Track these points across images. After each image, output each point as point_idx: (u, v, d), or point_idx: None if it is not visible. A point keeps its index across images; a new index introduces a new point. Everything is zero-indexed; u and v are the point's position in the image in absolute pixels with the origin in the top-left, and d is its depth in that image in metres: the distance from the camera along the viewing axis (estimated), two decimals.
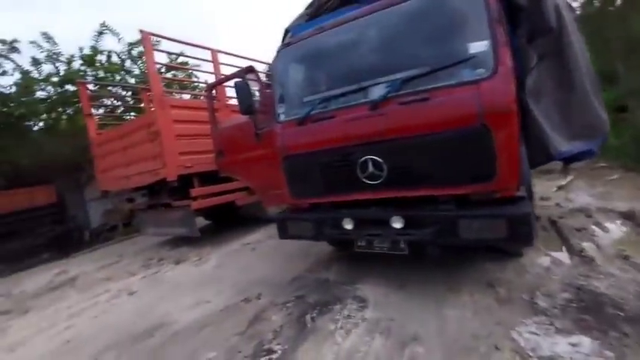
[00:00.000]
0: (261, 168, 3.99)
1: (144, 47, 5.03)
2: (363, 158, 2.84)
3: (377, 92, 2.77)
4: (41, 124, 8.50)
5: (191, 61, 5.99)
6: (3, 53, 8.14)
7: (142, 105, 7.56)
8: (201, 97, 6.17)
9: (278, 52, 3.52)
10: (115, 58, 9.11)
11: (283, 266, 4.33)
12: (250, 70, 3.82)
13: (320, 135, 3.07)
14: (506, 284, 2.93)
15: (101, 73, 8.80)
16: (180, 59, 6.39)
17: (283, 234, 3.57)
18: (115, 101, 8.94)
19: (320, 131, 3.06)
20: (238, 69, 3.94)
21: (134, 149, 5.75)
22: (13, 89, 8.02)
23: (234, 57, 6.38)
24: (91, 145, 6.69)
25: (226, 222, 7.44)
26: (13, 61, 8.34)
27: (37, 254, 9.14)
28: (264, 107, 3.74)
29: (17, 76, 8.30)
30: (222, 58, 6.13)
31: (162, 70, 7.21)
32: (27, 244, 10.11)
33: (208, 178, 5.78)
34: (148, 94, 6.01)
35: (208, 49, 5.95)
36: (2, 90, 7.94)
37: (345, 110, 2.92)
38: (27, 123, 8.20)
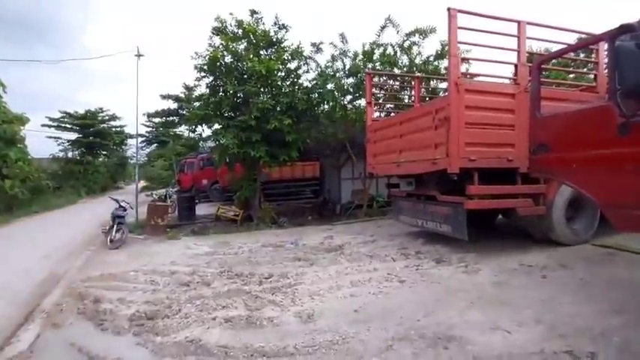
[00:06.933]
0: (621, 174, 2.76)
1: (448, 25, 4.68)
2: None
3: None
4: (325, 108, 10.28)
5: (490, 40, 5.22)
6: (310, 55, 10.29)
7: (414, 94, 7.59)
8: (510, 80, 5.29)
9: None
10: (389, 50, 9.75)
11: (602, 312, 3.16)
12: (629, 29, 2.61)
13: None
14: None
15: (378, 66, 9.62)
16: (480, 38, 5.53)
17: None
18: (394, 90, 9.57)
19: None
20: (570, 43, 2.83)
21: (412, 136, 5.69)
22: (313, 83, 10.05)
23: (548, 29, 5.11)
24: (367, 130, 7.29)
25: (485, 230, 6.42)
26: (315, 60, 10.43)
27: (303, 215, 11.44)
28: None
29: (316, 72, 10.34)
30: (529, 31, 5.04)
31: (467, 50, 6.79)
32: (298, 205, 13.02)
33: (487, 176, 4.97)
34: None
35: (515, 21, 4.98)
36: (307, 84, 10.13)
37: None
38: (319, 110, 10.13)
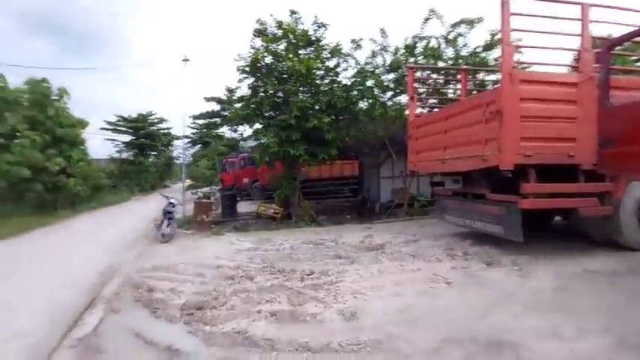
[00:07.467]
0: None
1: (501, 12, 4.39)
2: None
3: None
4: (364, 106, 10.15)
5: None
6: (349, 52, 10.21)
7: (460, 88, 7.25)
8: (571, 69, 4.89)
9: None
10: (433, 43, 9.42)
11: None
12: None
13: None
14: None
15: (420, 59, 9.32)
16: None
17: None
18: (438, 84, 9.25)
19: None
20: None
21: (459, 131, 5.42)
22: (352, 80, 9.97)
23: (614, 10, 4.62)
24: (409, 127, 7.07)
25: (539, 232, 5.96)
26: (354, 57, 10.33)
27: (342, 213, 11.39)
28: None
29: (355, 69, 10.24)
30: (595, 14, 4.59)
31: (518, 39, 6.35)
32: (336, 203, 13.00)
33: (542, 173, 4.59)
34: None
35: (578, 3, 4.56)
36: (345, 82, 10.08)
37: None
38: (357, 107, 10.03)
